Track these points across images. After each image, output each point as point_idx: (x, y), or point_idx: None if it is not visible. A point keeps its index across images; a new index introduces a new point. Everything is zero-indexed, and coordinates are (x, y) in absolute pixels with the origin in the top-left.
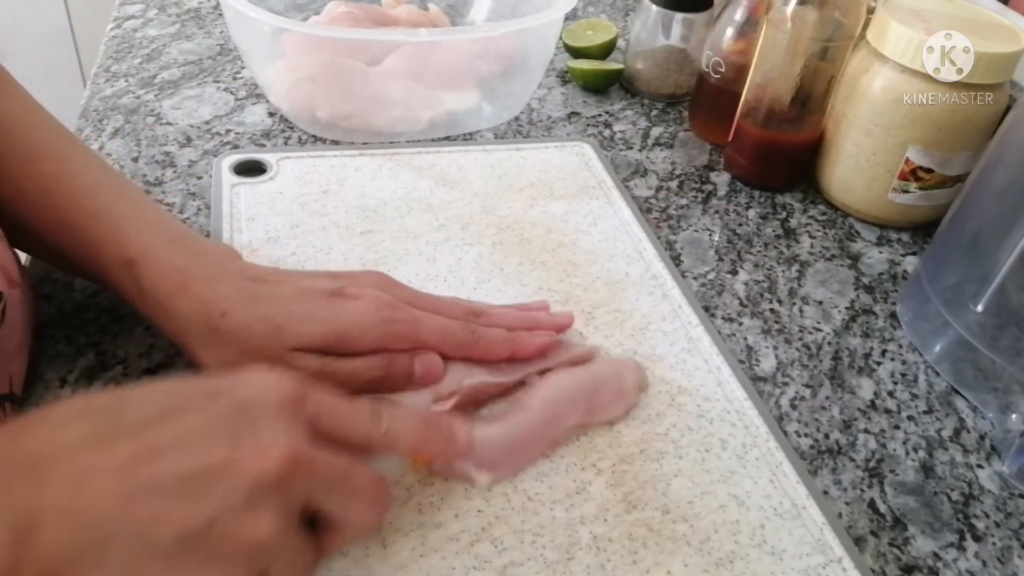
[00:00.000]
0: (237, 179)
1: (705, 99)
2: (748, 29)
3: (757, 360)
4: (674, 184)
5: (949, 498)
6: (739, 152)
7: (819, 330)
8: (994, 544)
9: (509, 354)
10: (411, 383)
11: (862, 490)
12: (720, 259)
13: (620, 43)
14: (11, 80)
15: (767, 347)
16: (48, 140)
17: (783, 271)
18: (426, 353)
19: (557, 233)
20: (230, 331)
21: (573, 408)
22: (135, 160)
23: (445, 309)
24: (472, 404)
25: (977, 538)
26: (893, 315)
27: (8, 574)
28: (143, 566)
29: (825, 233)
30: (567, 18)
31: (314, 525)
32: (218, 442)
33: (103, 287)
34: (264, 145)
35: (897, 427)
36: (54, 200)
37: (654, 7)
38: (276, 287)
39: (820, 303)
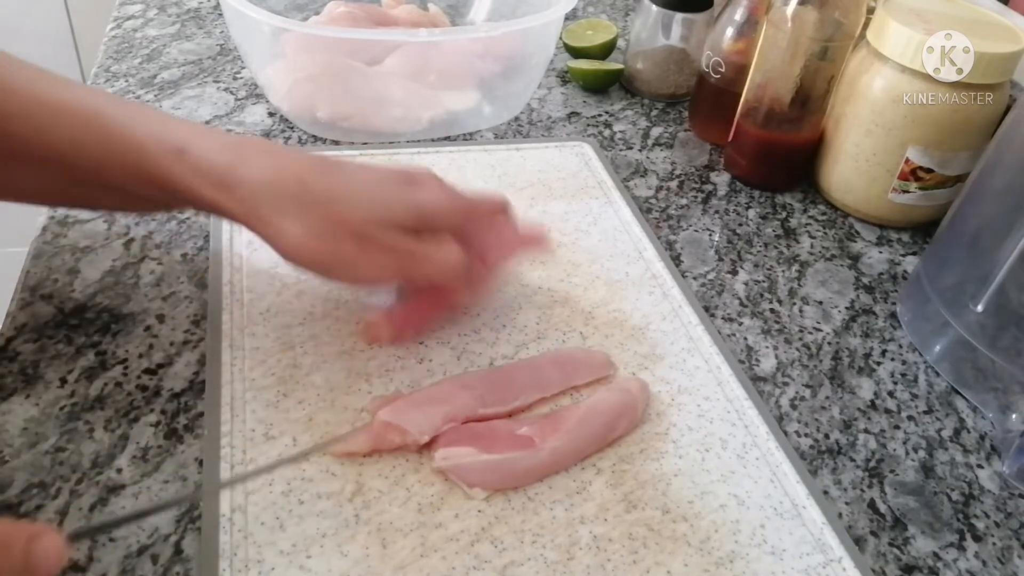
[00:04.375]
0: None
1: (705, 99)
2: (748, 29)
3: (757, 360)
4: (674, 184)
5: (949, 498)
6: (739, 152)
7: (819, 330)
8: (994, 544)
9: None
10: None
11: (862, 490)
12: (720, 259)
13: (620, 43)
14: None
15: (767, 347)
16: (49, 74)
17: (783, 271)
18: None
19: (557, 233)
20: (312, 196)
21: (580, 454)
22: None
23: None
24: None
25: (977, 538)
26: (893, 315)
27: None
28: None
29: (825, 233)
30: (567, 18)
31: None
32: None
33: (132, 201)
34: None
35: (897, 427)
36: (71, 117)
37: (654, 7)
38: (346, 164)
39: (820, 303)
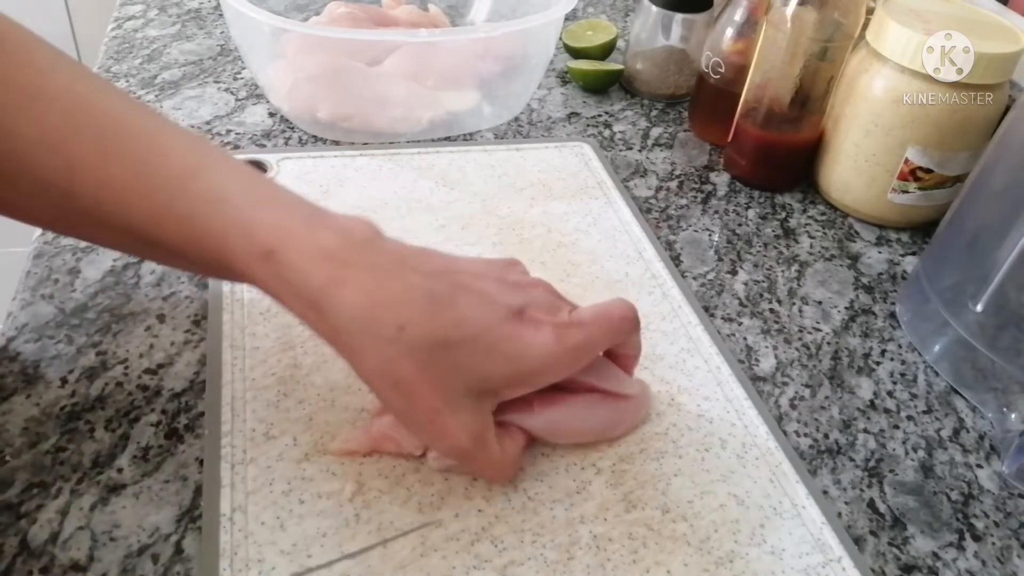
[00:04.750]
0: None
1: (705, 99)
2: (748, 30)
3: (756, 360)
4: (674, 184)
5: (948, 498)
6: (739, 152)
7: (818, 330)
8: (993, 544)
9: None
10: None
11: (861, 490)
12: (720, 259)
13: (620, 44)
14: (51, 49)
15: (766, 347)
16: (123, 111)
17: (782, 271)
18: None
19: (557, 233)
20: (406, 349)
21: (575, 436)
22: None
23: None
24: None
25: (976, 538)
26: (892, 315)
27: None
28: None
29: (824, 233)
30: (567, 19)
31: None
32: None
33: (215, 276)
34: (265, 145)
35: (896, 427)
36: (150, 187)
37: (654, 8)
38: (454, 292)
39: (819, 303)
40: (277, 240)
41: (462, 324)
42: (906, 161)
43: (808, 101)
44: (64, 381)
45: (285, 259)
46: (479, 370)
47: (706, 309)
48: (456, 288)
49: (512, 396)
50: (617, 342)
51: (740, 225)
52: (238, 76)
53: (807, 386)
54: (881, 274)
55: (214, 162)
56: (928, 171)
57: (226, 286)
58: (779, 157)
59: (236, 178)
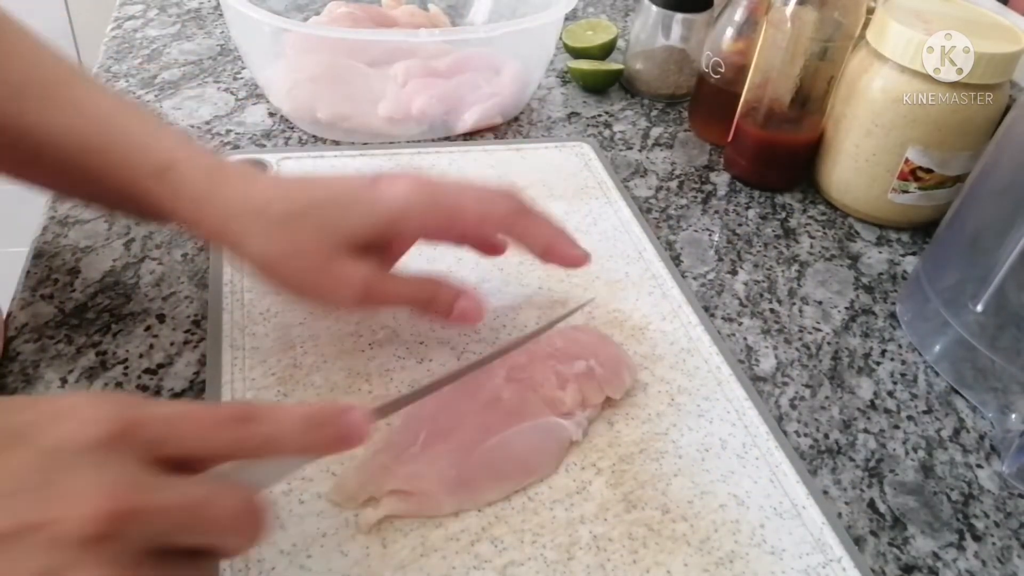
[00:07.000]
0: None
1: (705, 99)
2: (748, 29)
3: (757, 360)
4: (674, 184)
5: (949, 498)
6: (739, 152)
7: (819, 330)
8: (994, 544)
9: (546, 248)
10: (449, 319)
11: (862, 490)
12: (720, 259)
13: (620, 43)
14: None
15: (767, 347)
16: (63, 68)
17: (783, 271)
18: (469, 297)
19: None
20: (278, 217)
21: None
22: None
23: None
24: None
25: (977, 538)
26: (893, 315)
27: None
28: None
29: (825, 233)
30: (567, 18)
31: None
32: (23, 502)
33: (130, 208)
34: (265, 145)
35: (897, 427)
36: (80, 124)
37: (654, 7)
38: (314, 182)
39: (820, 303)
40: (172, 159)
41: (322, 190)
42: (906, 161)
43: (808, 101)
44: (64, 381)
45: (178, 172)
46: (344, 218)
47: (706, 309)
48: (316, 181)
49: (385, 237)
50: (487, 211)
51: (740, 225)
52: (238, 76)
53: (807, 386)
54: (881, 274)
55: (125, 103)
56: (928, 171)
57: (226, 286)
58: (779, 157)
59: (140, 115)
